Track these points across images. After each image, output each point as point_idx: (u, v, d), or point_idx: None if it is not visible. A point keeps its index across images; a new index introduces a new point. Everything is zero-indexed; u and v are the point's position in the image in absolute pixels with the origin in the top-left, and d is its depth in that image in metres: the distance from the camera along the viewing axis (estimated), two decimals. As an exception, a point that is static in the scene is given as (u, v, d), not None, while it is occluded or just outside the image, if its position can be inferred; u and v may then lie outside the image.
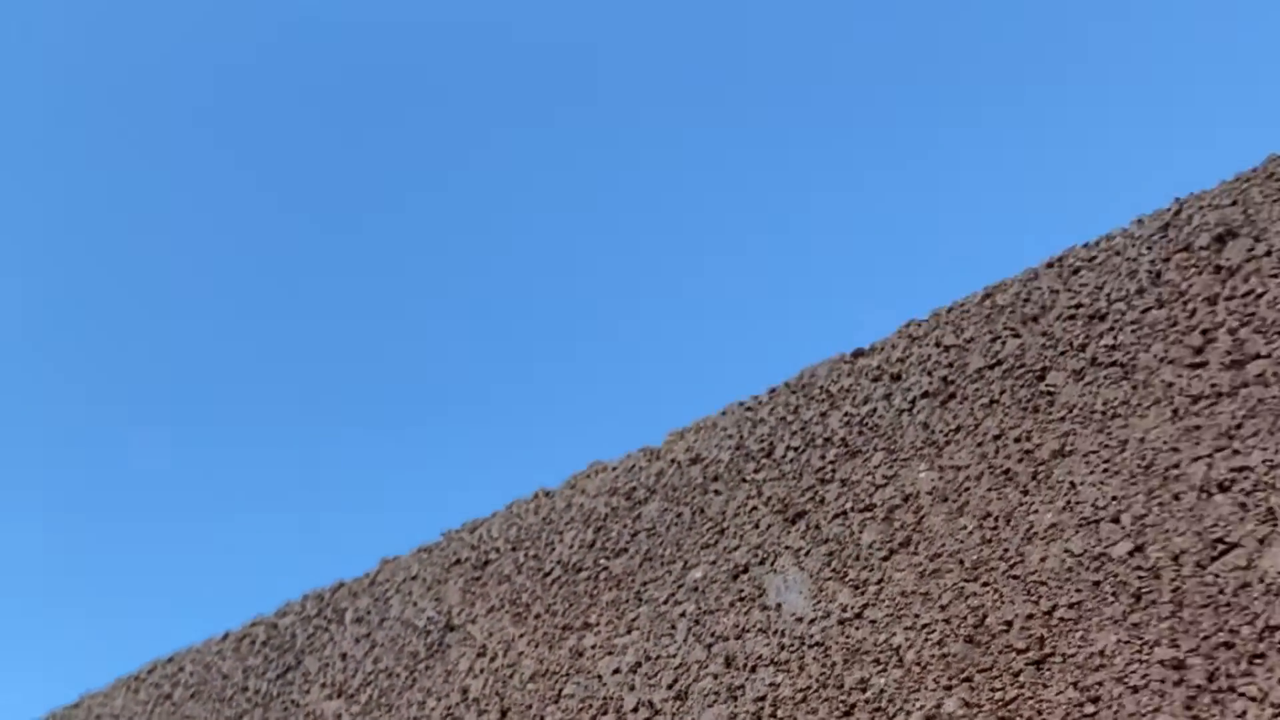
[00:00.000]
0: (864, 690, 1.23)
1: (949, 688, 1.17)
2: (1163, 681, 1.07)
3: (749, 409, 1.47)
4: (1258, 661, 1.03)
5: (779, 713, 1.27)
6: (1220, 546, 1.09)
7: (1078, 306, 1.28)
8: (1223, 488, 1.11)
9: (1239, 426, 1.13)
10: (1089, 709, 1.09)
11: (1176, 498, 1.13)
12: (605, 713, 1.39)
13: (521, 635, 1.51)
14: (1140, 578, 1.12)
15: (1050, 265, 1.32)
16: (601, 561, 1.49)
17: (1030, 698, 1.13)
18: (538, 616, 1.51)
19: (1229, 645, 1.05)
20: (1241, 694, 1.03)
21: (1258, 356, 1.15)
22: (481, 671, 1.52)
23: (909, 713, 1.19)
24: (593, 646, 1.44)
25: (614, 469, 1.55)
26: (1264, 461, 1.10)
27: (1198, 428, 1.15)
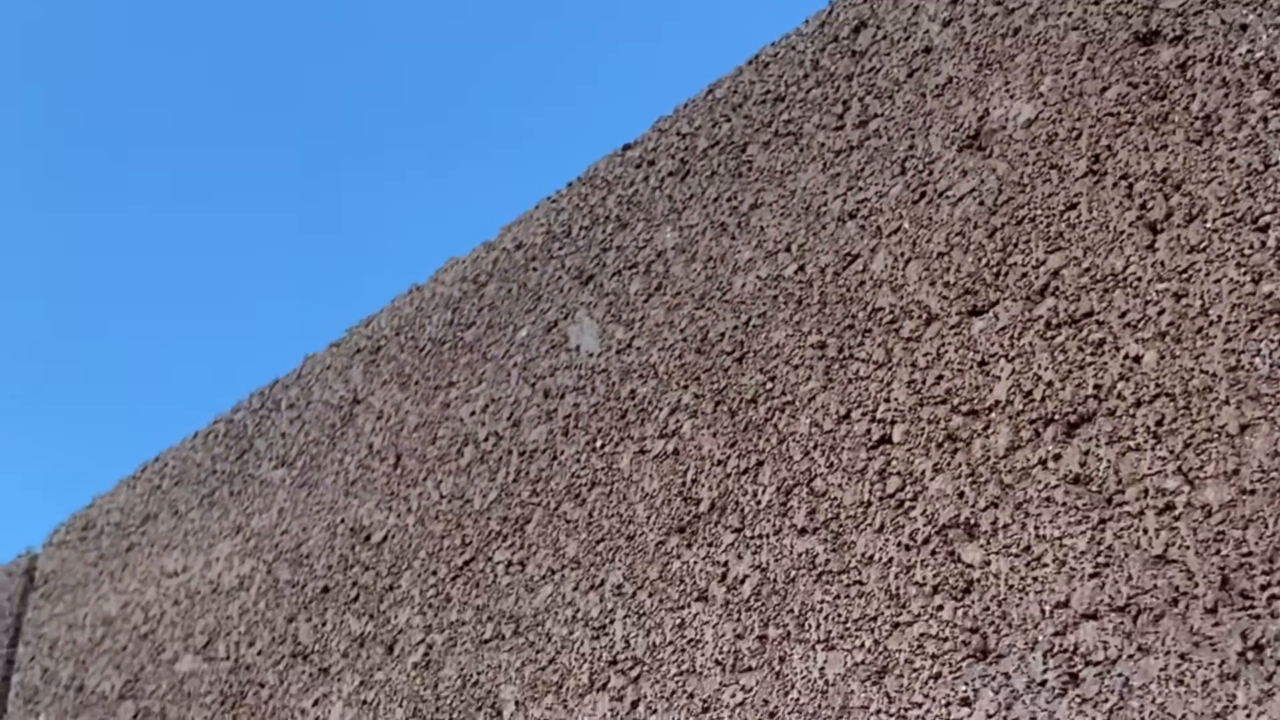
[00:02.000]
0: (633, 398, 1.64)
1: (685, 386, 1.58)
2: (812, 359, 1.47)
3: (554, 201, 1.87)
4: (868, 335, 1.43)
5: (579, 423, 1.69)
6: (848, 258, 1.49)
7: (767, 93, 1.66)
8: (851, 215, 1.50)
9: (862, 169, 1.51)
10: (769, 385, 1.50)
11: (824, 226, 1.52)
12: (467, 444, 1.81)
13: (406, 398, 1.93)
14: (801, 288, 1.52)
15: (750, 63, 1.70)
16: (458, 334, 1.90)
17: (733, 384, 1.53)
18: (416, 383, 1.93)
19: (851, 327, 1.45)
20: (857, 359, 1.43)
21: (876, 116, 1.53)
22: (380, 430, 1.95)
23: (660, 408, 1.60)
24: (455, 398, 1.86)
25: (463, 261, 1.96)
26: (876, 193, 1.49)
27: (838, 174, 1.54)
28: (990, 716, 1.21)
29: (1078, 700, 1.16)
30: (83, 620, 2.33)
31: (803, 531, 1.41)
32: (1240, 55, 1.23)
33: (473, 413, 1.82)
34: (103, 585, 2.33)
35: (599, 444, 1.64)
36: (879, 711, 1.29)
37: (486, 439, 1.79)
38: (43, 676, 2.36)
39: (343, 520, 1.93)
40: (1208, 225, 1.21)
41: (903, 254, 1.43)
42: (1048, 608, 1.20)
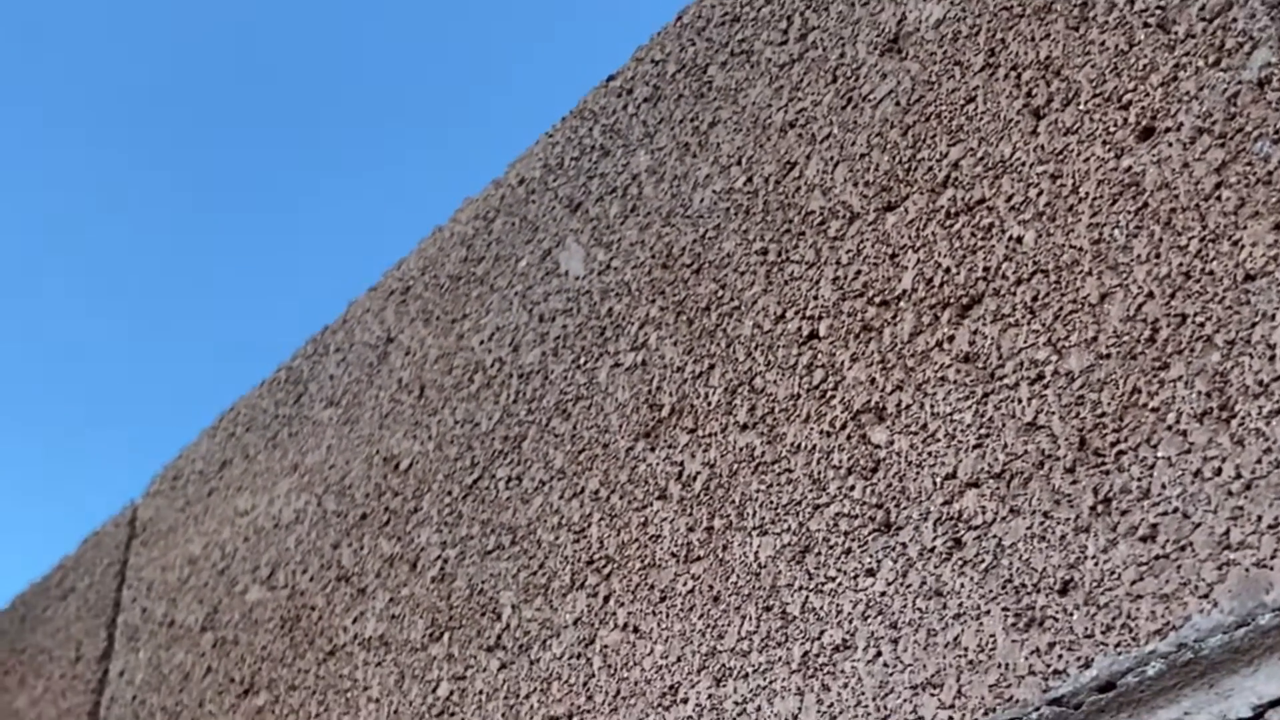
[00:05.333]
0: (610, 315, 1.73)
1: (652, 300, 1.67)
2: (755, 265, 1.54)
3: (550, 135, 1.96)
4: (801, 238, 1.50)
5: (567, 343, 1.78)
6: (788, 166, 1.56)
7: (725, 15, 1.73)
8: (791, 125, 1.57)
9: (801, 81, 1.58)
10: (720, 293, 1.57)
11: (769, 138, 1.59)
12: (476, 372, 1.92)
13: (429, 334, 2.05)
14: (748, 198, 1.59)
15: (711, -13, 1.76)
16: (471, 270, 2.01)
17: (691, 295, 1.61)
18: (437, 319, 2.04)
19: (788, 231, 1.52)
20: (792, 261, 1.50)
21: (814, 28, 1.59)
22: (408, 365, 2.07)
23: (632, 322, 1.69)
24: (468, 329, 1.97)
25: (476, 201, 2.07)
26: (812, 102, 1.55)
27: (781, 87, 1.60)
28: (890, 584, 1.28)
29: (960, 563, 1.22)
30: (173, 562, 2.50)
31: (744, 427, 1.48)
32: (1114, -60, 1.27)
33: (481, 342, 1.92)
34: (189, 529, 2.49)
35: (582, 361, 1.73)
36: (801, 588, 1.36)
37: (492, 365, 1.89)
38: (142, 616, 2.53)
39: (377, 451, 2.05)
40: (1080, 108, 1.25)
41: (832, 158, 1.49)
42: (939, 479, 1.27)
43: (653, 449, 1.60)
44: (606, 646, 1.57)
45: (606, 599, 1.58)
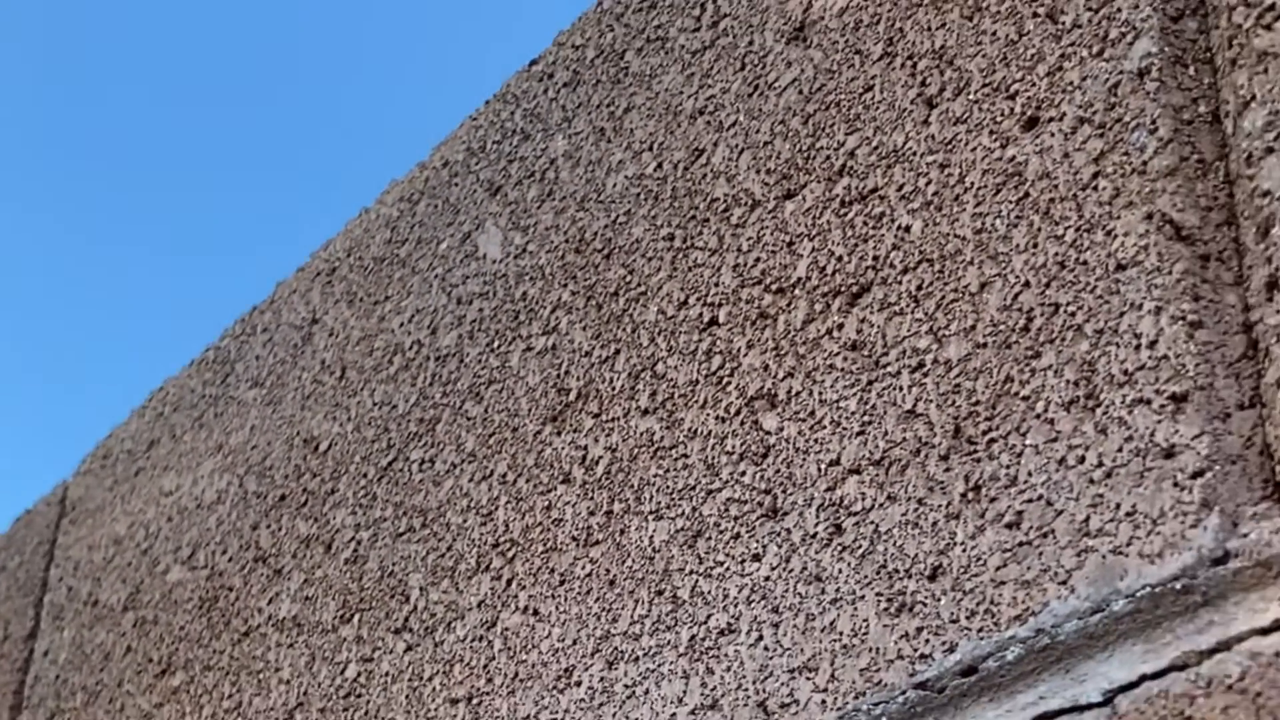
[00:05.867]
0: (524, 299, 1.73)
1: (565, 285, 1.67)
2: (662, 251, 1.55)
3: (473, 119, 1.96)
4: (705, 225, 1.50)
5: (483, 326, 1.78)
6: (696, 153, 1.56)
7: (643, 2, 1.73)
8: (701, 112, 1.57)
9: (711, 68, 1.58)
10: (628, 278, 1.58)
11: (679, 125, 1.59)
12: (396, 354, 1.92)
13: (352, 315, 2.05)
14: (658, 184, 1.59)
15: (630, -26, 1.77)
16: (395, 251, 2.01)
17: (601, 280, 1.61)
18: (360, 300, 2.04)
19: (694, 218, 1.52)
20: (697, 247, 1.50)
21: (725, 15, 1.59)
22: (330, 346, 2.07)
23: (545, 306, 1.69)
24: (389, 311, 1.97)
25: (401, 183, 2.07)
26: (721, 89, 1.56)
27: (693, 73, 1.60)
28: (774, 569, 1.28)
29: (839, 549, 1.23)
30: (100, 541, 2.49)
31: (645, 412, 1.49)
32: (1009, -69, 1.28)
33: (401, 324, 1.93)
34: (116, 508, 2.48)
35: (496, 344, 1.74)
36: (692, 572, 1.37)
37: (411, 347, 1.89)
38: (68, 595, 2.53)
39: (298, 433, 2.05)
40: (970, 97, 1.26)
41: (738, 145, 1.50)
42: (823, 466, 1.27)
43: (559, 433, 1.60)
44: (508, 629, 1.57)
45: (509, 582, 1.59)
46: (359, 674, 1.77)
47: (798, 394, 1.33)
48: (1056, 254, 1.14)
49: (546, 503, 1.58)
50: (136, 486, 2.45)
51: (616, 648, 1.43)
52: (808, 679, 1.22)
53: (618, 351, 1.56)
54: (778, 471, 1.32)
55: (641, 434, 1.49)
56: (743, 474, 1.35)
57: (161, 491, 2.36)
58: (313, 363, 2.09)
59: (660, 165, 1.59)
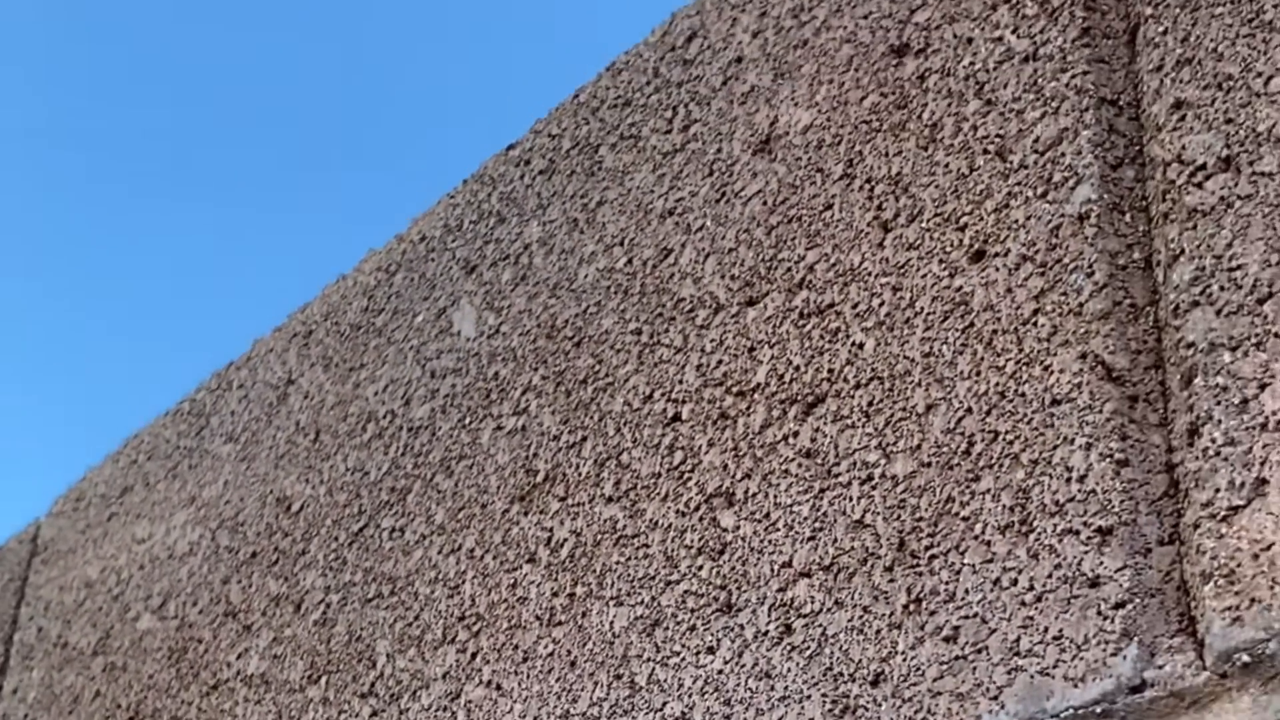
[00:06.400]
0: (496, 379, 1.80)
1: (535, 369, 1.74)
2: (630, 344, 1.62)
3: (451, 197, 2.04)
4: (672, 323, 1.58)
5: (455, 402, 1.86)
6: (665, 252, 1.64)
7: (618, 98, 1.81)
8: (670, 213, 1.65)
9: (681, 171, 1.66)
10: (597, 368, 1.65)
11: (650, 223, 1.67)
12: (369, 421, 1.99)
13: (328, 379, 2.12)
14: (628, 279, 1.67)
15: (607, 69, 1.85)
16: (371, 320, 2.08)
17: (571, 367, 1.69)
18: (336, 365, 2.11)
19: (660, 315, 1.60)
20: (663, 344, 1.58)
21: (695, 121, 1.68)
22: (305, 409, 2.14)
23: (516, 387, 1.76)
24: (364, 379, 2.04)
25: (379, 253, 2.14)
26: (690, 193, 1.64)
27: (664, 174, 1.68)
28: (727, 663, 1.36)
29: (789, 648, 1.31)
30: (71, 583, 2.55)
31: (609, 500, 1.56)
32: (964, 68, 1.36)
33: (375, 392, 2.00)
34: (88, 551, 2.54)
35: (468, 421, 1.81)
36: (649, 660, 1.44)
37: (384, 416, 1.96)
38: (38, 635, 2.58)
39: (271, 491, 2.12)
40: (923, 225, 1.34)
41: (704, 249, 1.58)
42: (776, 566, 1.35)
43: (526, 513, 1.67)
44: (471, 702, 1.64)
45: (474, 655, 1.66)
46: (325, 734, 1.84)
47: (754, 495, 1.40)
48: (997, 384, 1.22)
49: (512, 580, 1.65)
50: (109, 531, 2.51)
51: (576, 727, 1.50)
52: (756, 771, 1.29)
53: (585, 438, 1.63)
54: (733, 569, 1.39)
55: (605, 520, 1.56)
56: (700, 568, 1.43)
57: (134, 539, 2.43)
58: (288, 423, 2.16)
59: (630, 260, 1.67)
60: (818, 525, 1.33)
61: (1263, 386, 1.04)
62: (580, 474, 1.62)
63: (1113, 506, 1.10)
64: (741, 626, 1.36)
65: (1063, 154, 1.25)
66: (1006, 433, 1.20)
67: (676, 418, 1.53)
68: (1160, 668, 1.04)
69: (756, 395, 1.45)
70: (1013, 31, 1.33)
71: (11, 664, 2.64)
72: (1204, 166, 1.14)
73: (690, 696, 1.38)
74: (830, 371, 1.38)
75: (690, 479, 1.48)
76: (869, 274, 1.37)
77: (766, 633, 1.33)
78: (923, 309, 1.31)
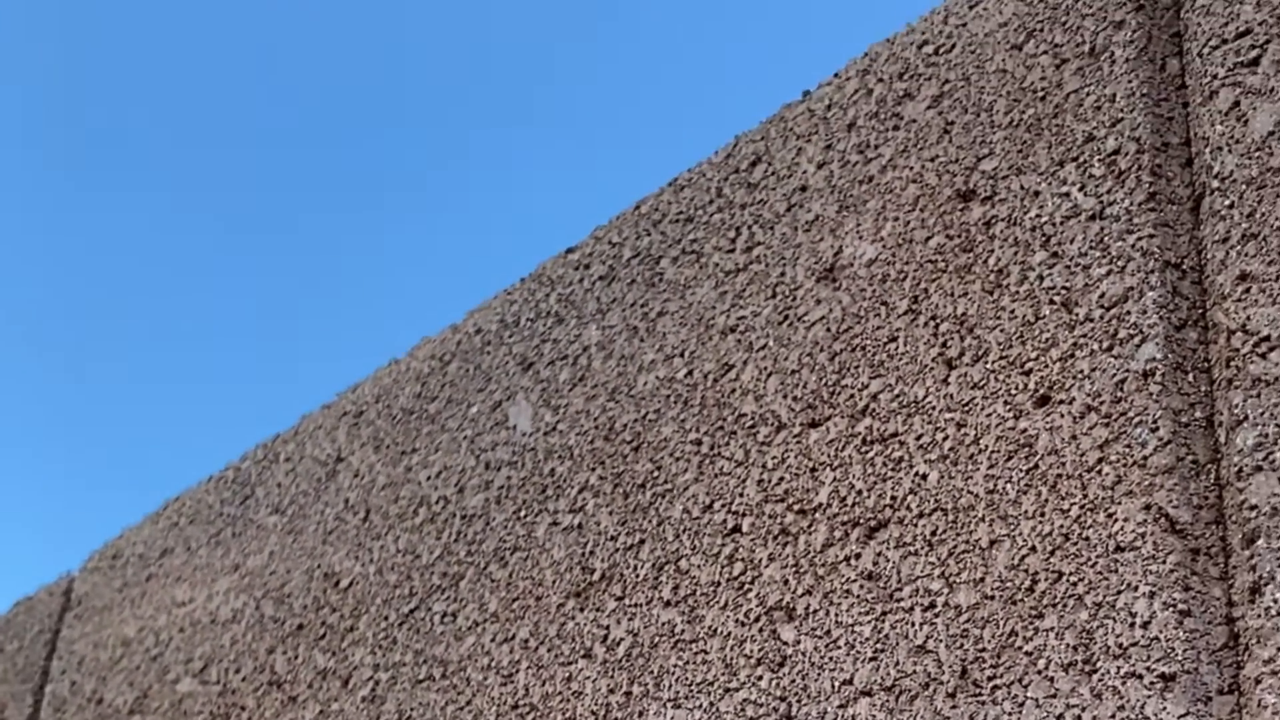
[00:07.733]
0: (552, 475, 1.88)
1: (593, 469, 1.82)
2: (690, 454, 1.70)
3: (508, 294, 2.12)
4: (733, 437, 1.66)
5: (510, 494, 1.93)
6: (726, 368, 1.72)
7: (680, 213, 1.89)
8: (731, 330, 1.73)
9: (744, 290, 1.74)
10: (655, 474, 1.73)
11: (710, 337, 1.75)
12: (421, 505, 2.06)
13: (378, 460, 2.19)
14: (688, 390, 1.75)
15: (670, 184, 1.93)
16: (424, 406, 2.16)
17: (629, 470, 1.76)
18: (387, 447, 2.18)
19: (721, 428, 1.68)
20: (723, 457, 1.66)
21: (759, 243, 1.76)
22: (355, 487, 2.21)
23: (573, 485, 1.84)
24: (416, 463, 2.11)
25: (433, 341, 2.22)
26: (752, 312, 1.72)
27: (725, 292, 1.77)
28: (786, 774, 1.43)
29: (849, 764, 1.38)
30: (106, 640, 2.61)
31: (667, 604, 1.64)
32: (1030, 219, 1.45)
33: (428, 477, 2.07)
34: (125, 610, 2.60)
35: (522, 514, 1.88)
36: (707, 764, 1.51)
37: (437, 501, 2.03)
38: (70, 689, 2.64)
39: (319, 566, 2.19)
40: (988, 366, 1.43)
41: (766, 368, 1.66)
42: (837, 683, 1.43)
43: (582, 609, 1.75)
44: (524, 789, 1.71)
45: (527, 744, 1.73)
46: (373, 811, 1.90)
47: (815, 611, 1.48)
48: (1061, 526, 1.30)
49: (567, 674, 1.72)
50: (147, 592, 2.58)
51: (632, 823, 1.57)
52: None
53: (643, 541, 1.71)
54: (793, 681, 1.47)
55: (663, 624, 1.64)
56: (760, 678, 1.50)
57: (174, 601, 2.49)
58: (336, 500, 2.23)
59: (691, 372, 1.75)
60: (879, 646, 1.40)
61: (1321, 554, 1.12)
62: (638, 575, 1.69)
63: (1176, 654, 1.18)
64: (802, 739, 1.44)
65: (1128, 311, 1.33)
66: (1070, 574, 1.28)
67: (737, 529, 1.60)
68: (1218, 812, 1.12)
69: (818, 515, 1.52)
70: (1080, 189, 1.41)
71: (42, 716, 2.69)
72: (1268, 338, 1.22)
73: (750, 803, 1.45)
74: (893, 499, 1.45)
75: (750, 590, 1.56)
76: (933, 408, 1.46)
77: (827, 747, 1.41)
78: (987, 446, 1.39)
